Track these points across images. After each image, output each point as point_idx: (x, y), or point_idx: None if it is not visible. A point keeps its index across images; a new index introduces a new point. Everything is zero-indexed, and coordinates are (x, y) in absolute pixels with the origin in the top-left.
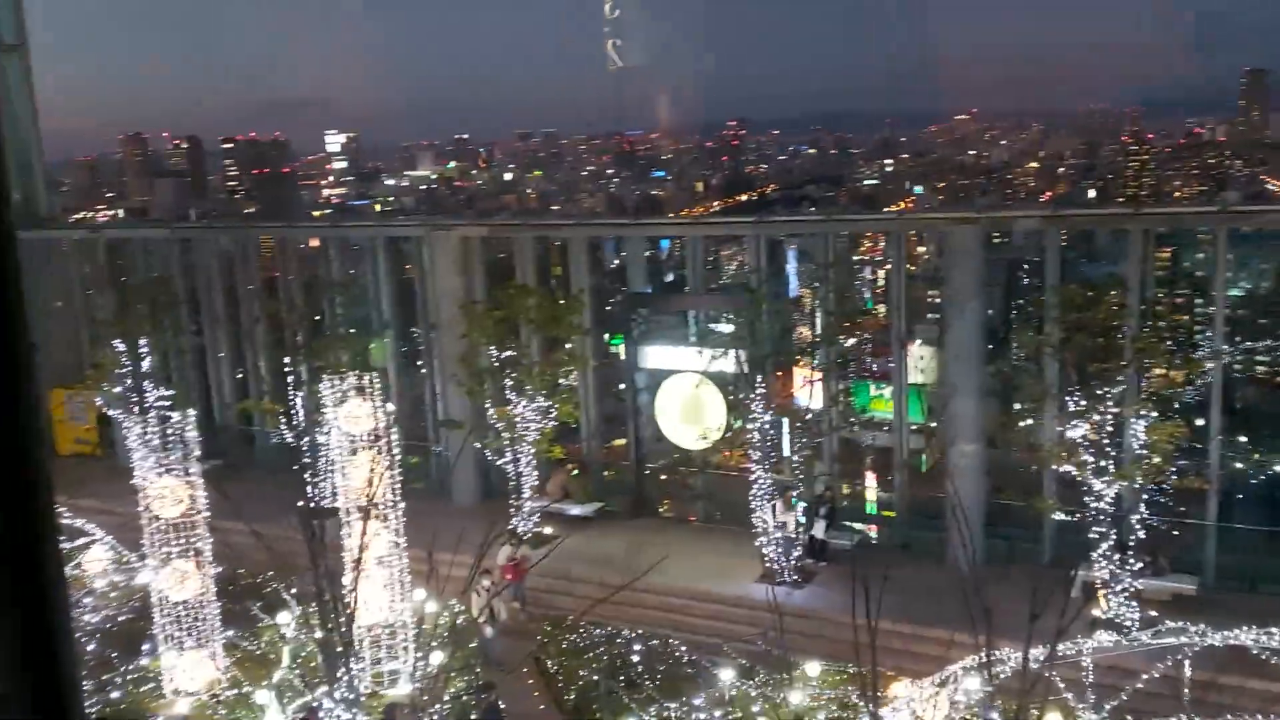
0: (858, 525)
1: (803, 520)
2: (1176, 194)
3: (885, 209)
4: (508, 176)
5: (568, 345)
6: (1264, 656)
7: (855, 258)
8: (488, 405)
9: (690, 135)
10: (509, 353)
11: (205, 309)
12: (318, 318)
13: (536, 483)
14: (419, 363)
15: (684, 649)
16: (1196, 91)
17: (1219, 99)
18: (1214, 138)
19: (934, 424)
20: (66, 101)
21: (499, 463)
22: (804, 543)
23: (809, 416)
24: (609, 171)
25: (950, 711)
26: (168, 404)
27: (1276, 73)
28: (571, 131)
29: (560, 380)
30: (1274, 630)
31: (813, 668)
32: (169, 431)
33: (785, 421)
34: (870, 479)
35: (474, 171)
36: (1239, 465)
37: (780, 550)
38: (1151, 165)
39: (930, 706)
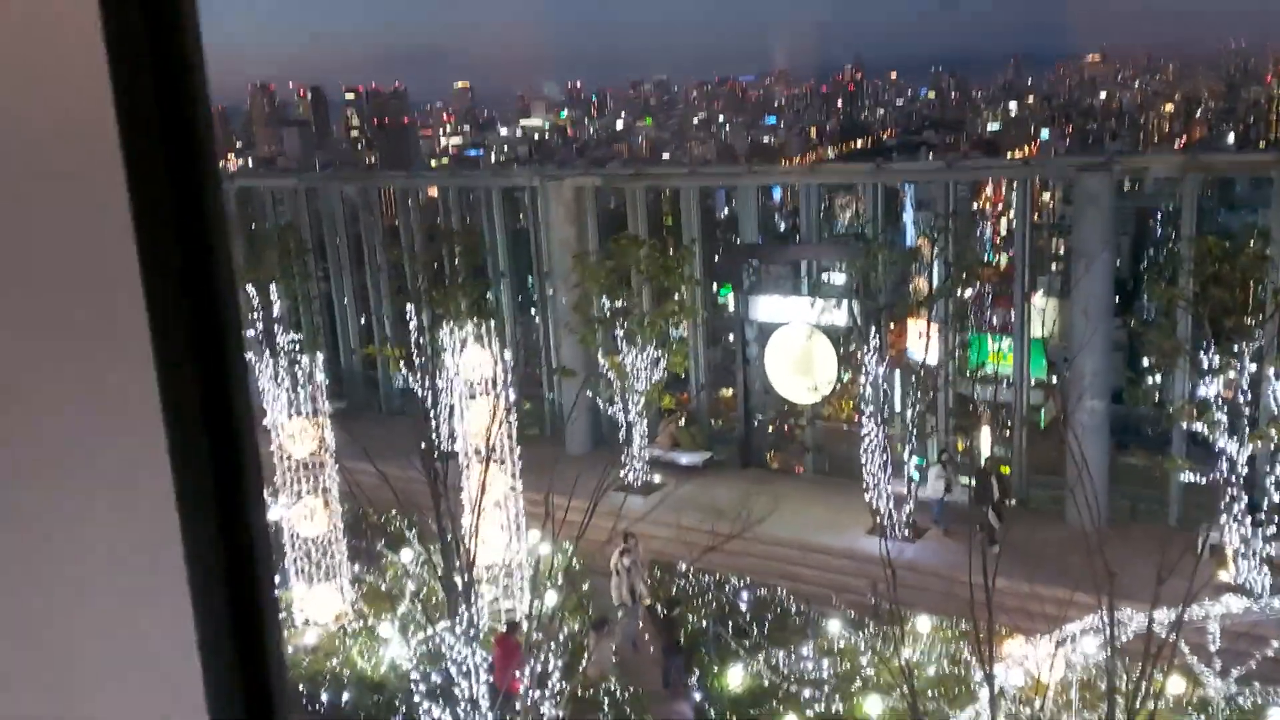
0: (968, 480)
1: (941, 483)
2: None
3: (1009, 154)
4: (619, 125)
5: (677, 295)
6: None
7: (976, 206)
8: (599, 354)
9: (805, 79)
10: (620, 302)
11: (331, 257)
12: (437, 265)
13: (646, 431)
14: (533, 311)
15: (792, 599)
16: None
17: None
18: None
19: (1055, 379)
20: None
21: (610, 411)
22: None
23: (923, 370)
24: (720, 118)
25: (1067, 672)
26: (297, 348)
27: None
28: (683, 78)
29: (670, 330)
30: None
31: (924, 623)
32: (298, 374)
33: (898, 375)
34: (987, 434)
35: (586, 120)
36: None
37: (938, 507)
38: None
39: (1046, 666)
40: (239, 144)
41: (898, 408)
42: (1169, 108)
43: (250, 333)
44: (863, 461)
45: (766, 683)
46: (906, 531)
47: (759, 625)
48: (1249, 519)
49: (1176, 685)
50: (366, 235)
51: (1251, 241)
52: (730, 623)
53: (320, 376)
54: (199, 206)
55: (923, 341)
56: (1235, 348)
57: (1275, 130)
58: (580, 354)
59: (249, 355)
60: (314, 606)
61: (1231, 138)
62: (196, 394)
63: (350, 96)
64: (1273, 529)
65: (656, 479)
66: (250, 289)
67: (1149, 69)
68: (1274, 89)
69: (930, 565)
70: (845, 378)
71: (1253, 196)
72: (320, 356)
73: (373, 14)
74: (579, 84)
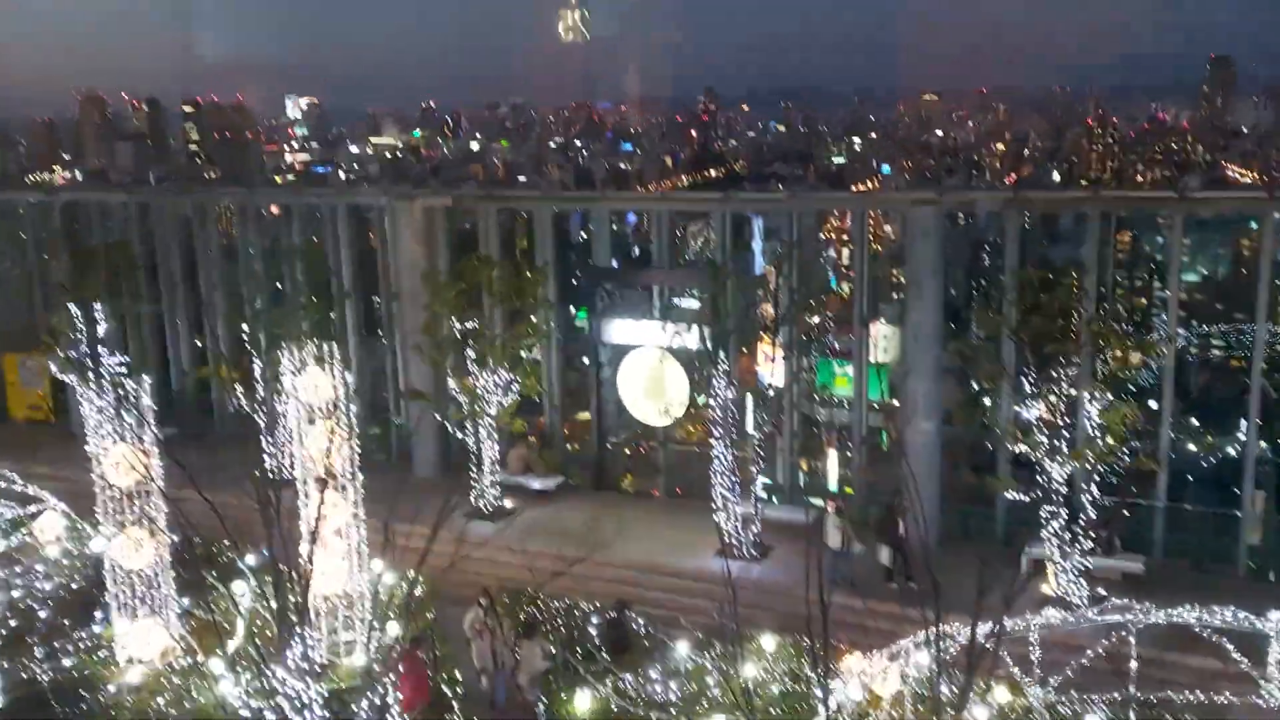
0: (817, 502)
1: (839, 535)
2: (1138, 178)
3: (852, 187)
4: (475, 146)
5: (531, 318)
6: (1205, 634)
7: (822, 236)
8: (449, 377)
9: (659, 108)
10: (471, 324)
11: (164, 275)
12: (278, 285)
13: (498, 455)
14: (380, 333)
15: (641, 622)
16: (1160, 77)
17: (1182, 85)
18: (1177, 123)
19: (894, 402)
20: (21, 60)
21: (460, 435)
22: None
23: (771, 393)
24: (577, 143)
25: (900, 685)
26: (123, 370)
27: (1239, 60)
28: (539, 102)
29: (523, 353)
30: (1215, 609)
31: (767, 641)
32: (124, 398)
33: (748, 398)
34: (831, 456)
35: (439, 140)
36: (1190, 447)
37: (836, 574)
38: (1115, 149)
39: (881, 679)
40: (67, 157)
41: (747, 430)
42: (1000, 146)
43: (72, 354)
44: (712, 483)
45: (614, 707)
46: (754, 551)
47: (608, 649)
48: (1067, 534)
49: (1001, 695)
50: (202, 252)
51: (1069, 273)
52: (578, 648)
53: (147, 400)
54: None
55: (770, 365)
56: (1054, 373)
57: (1094, 169)
58: (430, 376)
59: (71, 377)
60: (138, 643)
61: (1057, 175)
62: None
63: (189, 110)
64: (1089, 544)
65: (507, 504)
66: (74, 308)
67: (982, 108)
68: (1093, 131)
69: (774, 583)
70: (697, 400)
71: (1074, 232)
72: (148, 379)
73: (216, 25)
74: (433, 103)
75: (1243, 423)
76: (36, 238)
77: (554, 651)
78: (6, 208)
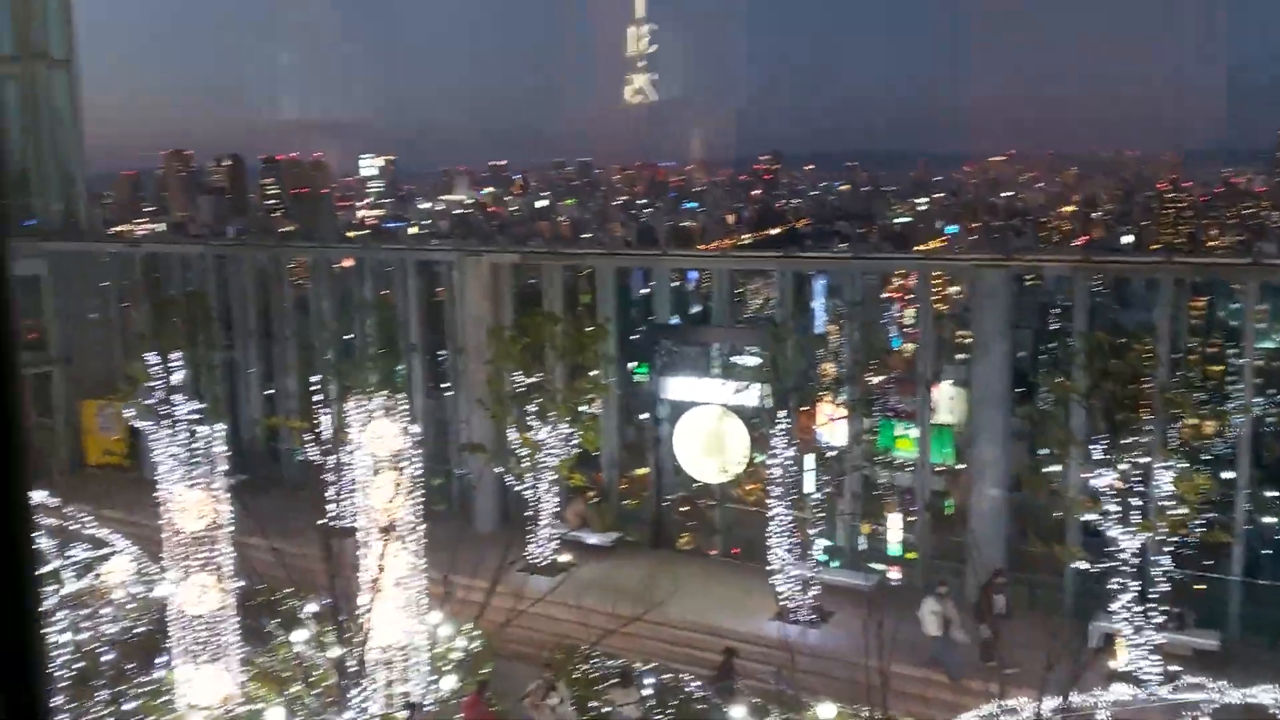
0: (877, 566)
1: (937, 620)
2: (1212, 243)
3: (917, 248)
4: (542, 204)
5: (592, 373)
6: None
7: (885, 295)
8: (511, 430)
9: (723, 168)
10: (534, 379)
11: (239, 325)
12: (348, 337)
13: (556, 510)
14: (445, 386)
15: (696, 684)
16: (1234, 141)
17: (1257, 150)
18: (1251, 188)
19: (960, 466)
20: (113, 116)
21: (519, 488)
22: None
23: (831, 453)
24: (641, 202)
25: None
26: (196, 418)
27: None
28: (605, 161)
29: (583, 408)
30: None
31: (826, 709)
32: (196, 445)
33: (807, 458)
34: (893, 519)
35: (508, 198)
36: (1266, 519)
37: (944, 652)
38: (1188, 213)
39: None
40: (150, 209)
41: (806, 490)
42: (1069, 209)
43: (148, 402)
44: (769, 544)
45: None
46: (812, 615)
47: (662, 710)
48: (1138, 608)
49: None
50: (276, 305)
51: (1141, 339)
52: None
53: (219, 448)
54: None
55: (831, 425)
56: (1125, 440)
57: (1166, 234)
58: (492, 430)
59: (145, 424)
60: (200, 689)
61: (1128, 239)
62: None
63: (268, 165)
64: (1161, 618)
65: (564, 558)
66: (152, 356)
67: (1051, 171)
68: (1165, 194)
69: (833, 649)
70: (755, 459)
71: (1146, 296)
72: (221, 427)
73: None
74: (503, 162)
75: None
76: (118, 287)
77: (643, 699)
78: (91, 258)
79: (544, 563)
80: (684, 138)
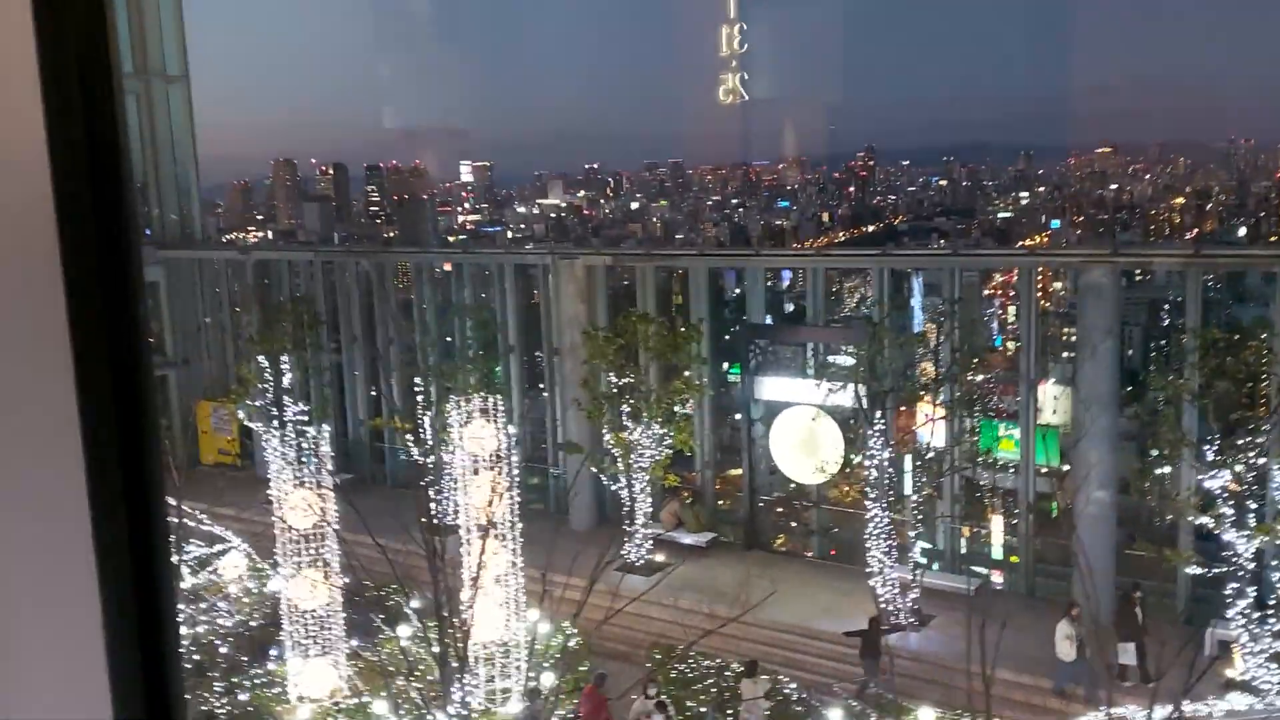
0: (979, 570)
1: (1071, 645)
2: None
3: (1020, 243)
4: (634, 206)
5: (685, 373)
6: None
7: (986, 292)
8: (605, 430)
9: (817, 166)
10: (628, 379)
11: (344, 329)
12: (448, 339)
13: (651, 510)
14: (541, 386)
15: (793, 686)
16: None
17: None
18: None
19: (1065, 467)
20: (225, 129)
21: (614, 488)
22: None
23: (930, 455)
24: (734, 201)
25: None
26: (304, 419)
27: None
28: (698, 162)
29: (677, 408)
30: None
31: (926, 714)
32: (304, 445)
33: (905, 459)
34: (996, 522)
35: (602, 201)
36: None
37: (1080, 677)
38: None
39: None
40: (260, 217)
41: (905, 492)
42: (1179, 201)
43: (259, 403)
44: (867, 546)
45: None
46: (911, 619)
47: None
48: (1255, 614)
49: None
50: (379, 308)
51: (1258, 335)
52: (730, 710)
53: (326, 447)
54: (123, 276)
55: (930, 426)
56: (1240, 441)
57: None
58: (587, 430)
59: (257, 424)
60: (309, 681)
61: (1243, 231)
62: (111, 414)
63: (371, 173)
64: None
65: (659, 558)
66: (262, 359)
67: (1159, 162)
68: None
69: (933, 654)
70: (852, 460)
71: (1264, 291)
72: (328, 428)
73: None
74: (596, 165)
75: None
76: (230, 293)
77: (772, 689)
78: (205, 265)
79: (639, 562)
80: (777, 136)
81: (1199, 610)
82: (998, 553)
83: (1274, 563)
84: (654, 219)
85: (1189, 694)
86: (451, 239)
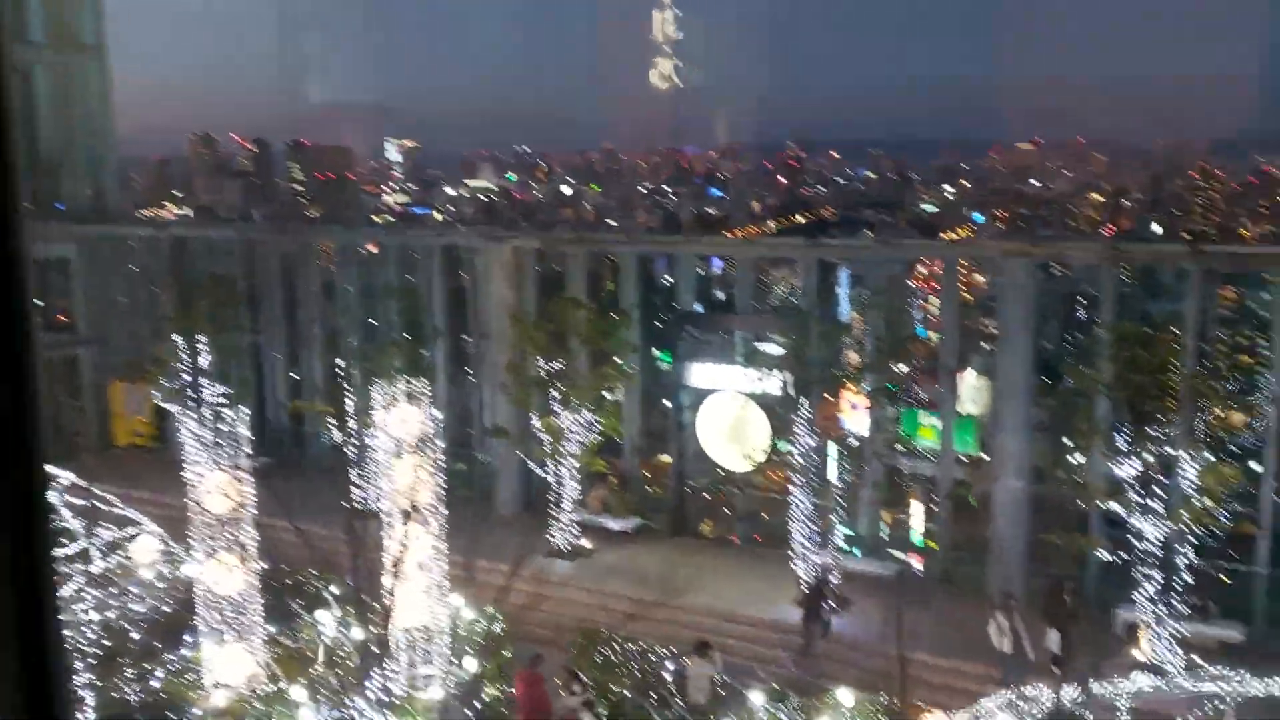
0: (899, 555)
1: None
2: (1243, 233)
3: (943, 235)
4: (566, 190)
5: (615, 360)
6: None
7: (910, 284)
8: (533, 416)
9: (748, 155)
10: (556, 365)
11: (265, 309)
12: (373, 322)
13: (578, 495)
14: (469, 371)
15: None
16: (1268, 130)
17: None
18: None
19: (982, 456)
20: (142, 101)
21: (541, 474)
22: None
23: (854, 442)
24: (666, 188)
25: None
26: (223, 401)
27: None
28: (630, 147)
29: (606, 394)
30: None
31: (845, 695)
32: (221, 428)
33: (830, 445)
34: (916, 509)
35: (532, 184)
36: None
37: (1010, 674)
38: (1219, 202)
39: None
40: (178, 194)
41: (829, 478)
42: (1097, 197)
43: (175, 384)
44: (791, 532)
45: None
46: (832, 603)
47: (682, 696)
48: (1161, 599)
49: None
50: (302, 289)
51: (1168, 329)
52: (653, 693)
53: (245, 430)
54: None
55: (854, 413)
56: (1150, 431)
57: (1197, 223)
58: (514, 415)
59: (173, 406)
60: (225, 668)
61: (1158, 228)
62: None
63: (293, 150)
64: (1184, 609)
65: (585, 544)
66: (179, 339)
67: (1079, 159)
68: (1196, 183)
69: (853, 637)
70: (778, 447)
71: (1175, 287)
72: (246, 410)
73: (323, 71)
74: (526, 148)
75: None
76: (147, 270)
77: (719, 672)
78: (120, 241)
79: (566, 548)
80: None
81: (1109, 595)
82: (918, 539)
83: (1179, 549)
84: (586, 204)
85: (1097, 675)
86: (377, 220)
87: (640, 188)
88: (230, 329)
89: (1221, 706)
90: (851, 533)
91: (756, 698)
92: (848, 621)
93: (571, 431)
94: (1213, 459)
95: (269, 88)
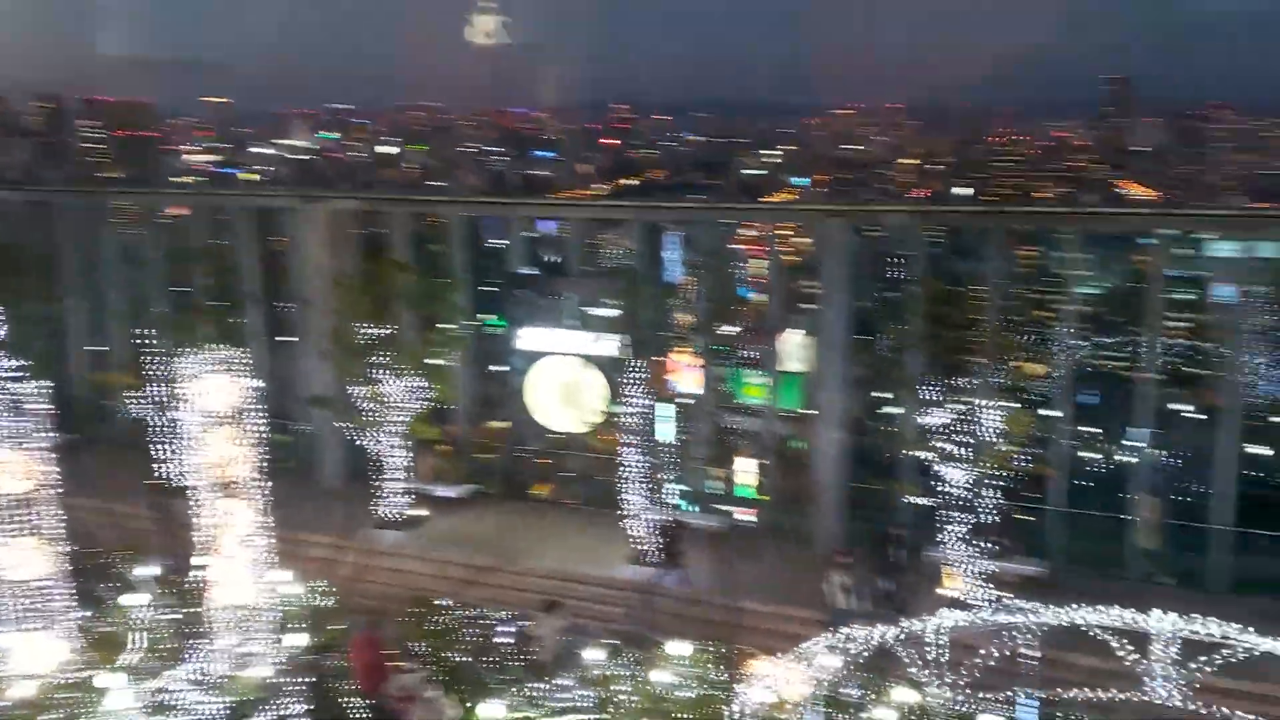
0: (728, 509)
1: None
2: (1040, 194)
3: (768, 198)
4: (389, 150)
5: (443, 324)
6: (1095, 634)
7: (736, 247)
8: (358, 384)
9: (575, 116)
10: (382, 330)
11: (64, 277)
12: (182, 288)
13: (408, 463)
14: (288, 337)
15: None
16: (1062, 95)
17: (1080, 104)
18: (1078, 142)
19: (807, 411)
20: None
21: (368, 443)
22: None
23: (687, 402)
24: (493, 149)
25: (807, 687)
26: (18, 375)
27: (1137, 81)
28: (456, 107)
29: (434, 360)
30: (1103, 609)
31: (682, 648)
32: (17, 404)
33: (664, 406)
34: (744, 464)
35: (351, 143)
36: (1086, 454)
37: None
38: (1022, 166)
39: (787, 683)
40: None
41: (660, 437)
42: (909, 161)
43: None
44: (625, 491)
45: (524, 715)
46: (666, 558)
47: (519, 658)
48: (969, 539)
49: (903, 695)
50: (104, 255)
51: (972, 287)
52: (488, 657)
53: (42, 405)
54: None
55: (686, 374)
56: (957, 383)
57: (998, 186)
58: (338, 383)
59: None
60: (30, 656)
61: (966, 191)
62: None
63: (91, 108)
64: (989, 548)
65: (417, 512)
66: None
67: (893, 125)
68: (996, 148)
69: (686, 590)
70: (613, 408)
71: (979, 247)
72: (44, 384)
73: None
74: (346, 106)
75: (1135, 431)
76: None
77: (566, 627)
78: None
79: (399, 517)
80: (537, 84)
81: (922, 538)
82: (748, 492)
83: (984, 492)
84: (410, 165)
85: (913, 614)
86: (185, 181)
87: (466, 148)
88: (26, 298)
89: (1022, 636)
90: (685, 489)
91: (597, 654)
92: (683, 575)
93: (400, 399)
94: (1013, 407)
95: (63, 40)
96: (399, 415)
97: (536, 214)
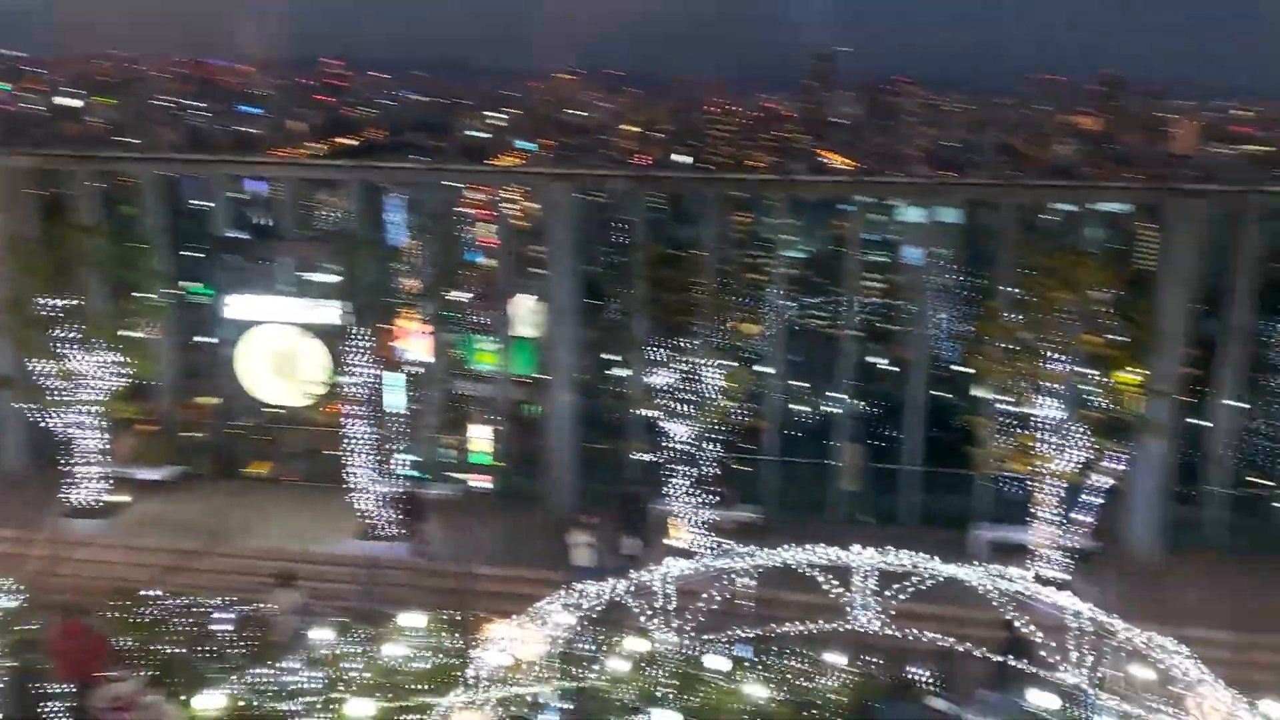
0: (462, 476)
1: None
2: (752, 162)
3: (493, 161)
4: (70, 102)
5: (140, 293)
6: (804, 572)
7: (462, 210)
8: (41, 359)
9: (285, 71)
10: (68, 300)
11: None
12: None
13: (103, 445)
14: None
15: (275, 611)
16: (772, 68)
17: (787, 78)
18: (785, 113)
19: (541, 376)
20: None
21: (55, 424)
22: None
23: (417, 370)
24: (190, 104)
25: (543, 646)
26: None
27: (839, 56)
28: (148, 57)
29: (130, 332)
30: (809, 547)
31: (415, 619)
32: None
33: (392, 375)
34: (478, 430)
35: (26, 94)
36: (795, 407)
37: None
38: (736, 135)
39: (523, 643)
40: None
41: (388, 407)
42: (631, 128)
43: None
44: (350, 464)
45: (248, 703)
46: (396, 530)
47: (239, 644)
48: (691, 490)
49: (634, 644)
50: None
51: (691, 251)
52: (204, 647)
53: None
54: None
55: (415, 341)
56: (679, 343)
57: (715, 154)
58: (17, 359)
59: None
60: None
61: (686, 159)
62: None
63: None
64: (710, 498)
65: (116, 498)
66: None
67: (614, 91)
68: (711, 117)
69: (422, 561)
70: (335, 379)
71: (698, 213)
72: None
73: None
74: (15, 52)
75: (838, 384)
76: None
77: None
78: None
79: (92, 504)
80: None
81: (649, 493)
82: (481, 459)
83: (705, 445)
84: (95, 119)
85: (641, 565)
86: None
87: (161, 101)
88: None
89: (740, 579)
90: (417, 459)
91: (325, 633)
92: (416, 546)
93: (91, 375)
94: (732, 365)
95: None
96: (91, 393)
97: (244, 173)
